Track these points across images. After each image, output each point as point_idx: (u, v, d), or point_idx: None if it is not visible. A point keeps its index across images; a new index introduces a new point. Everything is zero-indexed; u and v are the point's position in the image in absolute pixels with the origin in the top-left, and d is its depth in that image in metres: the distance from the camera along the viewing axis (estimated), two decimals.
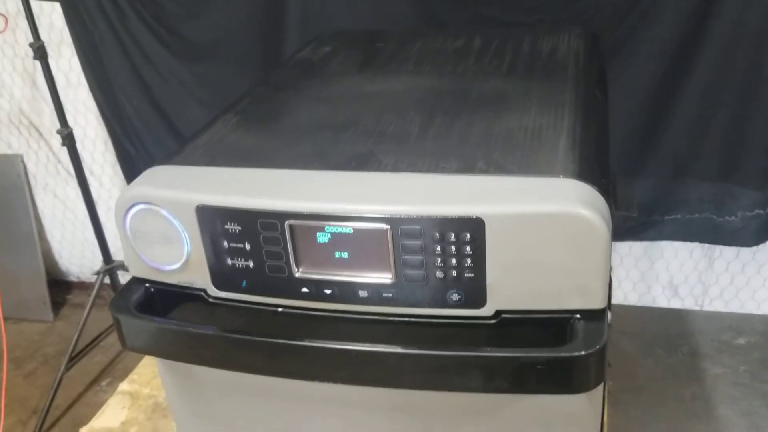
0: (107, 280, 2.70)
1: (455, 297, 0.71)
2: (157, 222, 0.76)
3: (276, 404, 0.83)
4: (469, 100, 0.91)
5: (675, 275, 2.13)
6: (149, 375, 1.36)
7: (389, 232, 0.69)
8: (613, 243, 2.14)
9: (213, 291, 0.78)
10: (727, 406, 1.18)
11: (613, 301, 1.55)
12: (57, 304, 2.90)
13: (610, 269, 0.70)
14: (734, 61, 1.64)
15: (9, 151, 2.69)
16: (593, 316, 0.69)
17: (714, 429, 1.14)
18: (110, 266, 2.50)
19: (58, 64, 2.43)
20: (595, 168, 0.72)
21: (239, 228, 0.73)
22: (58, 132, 2.28)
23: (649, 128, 1.72)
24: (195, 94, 2.05)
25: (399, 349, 0.69)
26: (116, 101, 2.23)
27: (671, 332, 1.36)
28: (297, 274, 0.73)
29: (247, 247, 0.73)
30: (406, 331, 0.73)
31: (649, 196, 1.81)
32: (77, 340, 2.47)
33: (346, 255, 0.72)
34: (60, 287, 2.95)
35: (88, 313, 2.50)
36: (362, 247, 0.71)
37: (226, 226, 0.73)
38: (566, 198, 0.66)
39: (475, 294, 0.70)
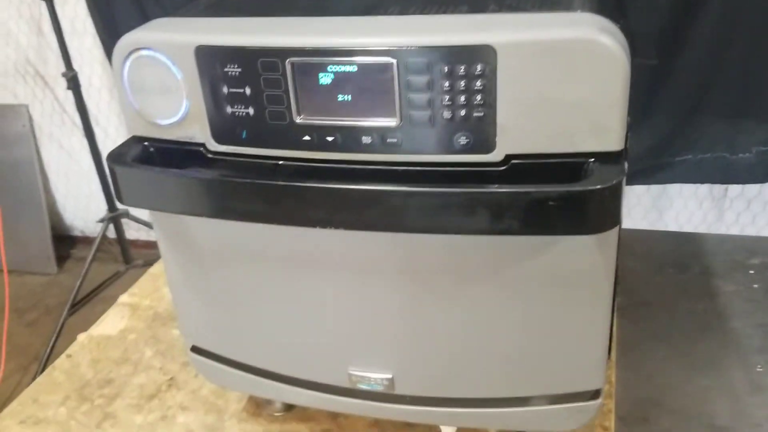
0: (112, 235, 2.69)
1: (463, 140, 0.68)
2: (156, 70, 0.73)
3: (274, 268, 0.80)
4: None
5: (684, 226, 2.10)
6: (150, 288, 1.34)
7: (395, 67, 0.66)
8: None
9: (212, 145, 0.75)
10: (740, 319, 1.14)
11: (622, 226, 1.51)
12: (61, 259, 2.89)
13: (629, 111, 0.67)
14: None
15: (14, 101, 2.67)
16: (610, 159, 0.66)
17: (727, 340, 1.11)
18: (114, 213, 2.49)
19: (64, 11, 2.41)
20: (614, 9, 0.69)
21: (239, 70, 0.70)
22: (63, 75, 2.26)
23: (660, 64, 1.68)
24: None
25: (404, 188, 0.66)
26: None
27: (683, 253, 1.33)
28: (298, 120, 0.70)
29: (248, 91, 0.70)
30: (410, 180, 0.69)
31: (659, 135, 1.77)
32: (79, 288, 2.46)
33: (349, 98, 0.68)
34: (64, 242, 2.95)
35: (92, 260, 2.49)
36: (366, 87, 0.68)
37: (225, 69, 0.70)
38: (584, 25, 0.63)
39: (485, 136, 0.67)
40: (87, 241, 2.91)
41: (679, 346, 1.11)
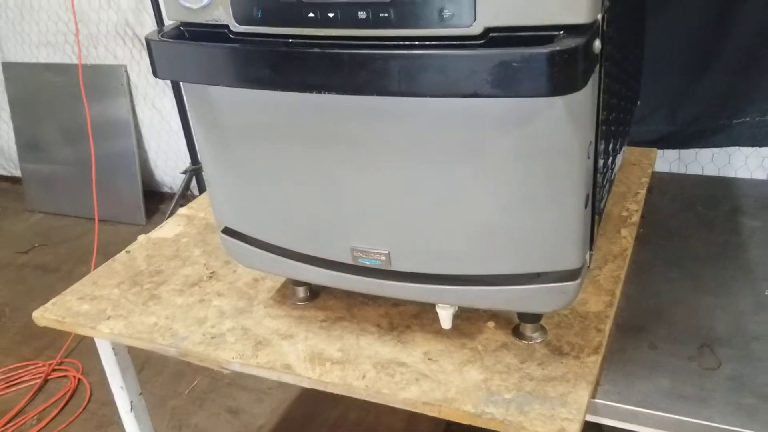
0: (195, 192, 2.88)
1: (447, 13, 0.75)
2: None
3: (286, 144, 0.90)
4: None
5: None
6: (206, 204, 1.47)
7: None
8: (681, 157, 2.06)
9: (234, 26, 0.85)
10: (760, 250, 1.14)
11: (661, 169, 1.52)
12: (150, 212, 3.11)
13: None
14: None
15: (114, 62, 2.90)
16: (579, 31, 0.72)
17: (741, 266, 1.12)
18: (197, 166, 2.67)
19: None
20: None
21: None
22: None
23: (718, 17, 1.67)
24: None
25: (386, 51, 0.74)
26: None
27: (716, 194, 1.33)
28: None
29: None
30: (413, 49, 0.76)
31: (716, 94, 1.76)
32: None
33: None
34: (154, 197, 3.17)
35: (174, 210, 2.67)
36: None
37: None
38: None
39: (465, 8, 0.73)
40: (174, 197, 3.11)
41: (692, 270, 1.12)
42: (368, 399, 0.94)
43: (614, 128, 1.01)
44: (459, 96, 0.74)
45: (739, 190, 1.33)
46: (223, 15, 0.86)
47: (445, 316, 0.99)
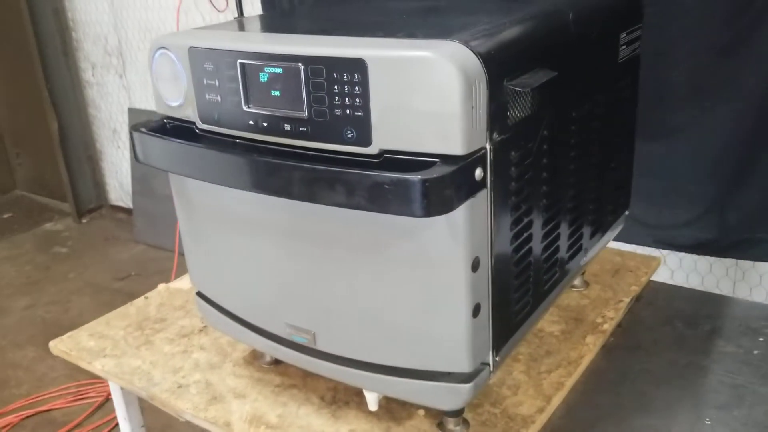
0: None
1: (349, 134, 0.85)
2: (170, 64, 1.00)
3: (234, 227, 1.03)
4: None
5: None
6: None
7: (302, 71, 0.85)
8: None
9: (199, 124, 0.99)
10: (720, 376, 1.13)
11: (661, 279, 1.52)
12: None
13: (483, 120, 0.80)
14: None
15: None
16: (452, 161, 0.79)
17: (693, 391, 1.11)
18: None
19: None
20: (495, 44, 0.83)
21: (212, 66, 0.94)
22: None
23: (755, 132, 1.65)
24: None
25: (289, 161, 0.85)
26: None
27: (702, 312, 1.31)
28: (246, 108, 0.92)
29: (217, 84, 0.94)
30: (311, 162, 0.87)
31: (756, 207, 1.72)
32: None
33: (278, 93, 0.89)
34: None
35: None
36: (288, 85, 0.88)
37: (204, 65, 0.95)
38: (434, 48, 0.78)
39: (364, 131, 0.83)
40: None
41: (642, 387, 1.12)
42: None
43: (550, 240, 1.05)
44: (345, 207, 0.84)
45: (728, 311, 1.31)
46: (192, 114, 1.00)
47: (371, 399, 1.06)
